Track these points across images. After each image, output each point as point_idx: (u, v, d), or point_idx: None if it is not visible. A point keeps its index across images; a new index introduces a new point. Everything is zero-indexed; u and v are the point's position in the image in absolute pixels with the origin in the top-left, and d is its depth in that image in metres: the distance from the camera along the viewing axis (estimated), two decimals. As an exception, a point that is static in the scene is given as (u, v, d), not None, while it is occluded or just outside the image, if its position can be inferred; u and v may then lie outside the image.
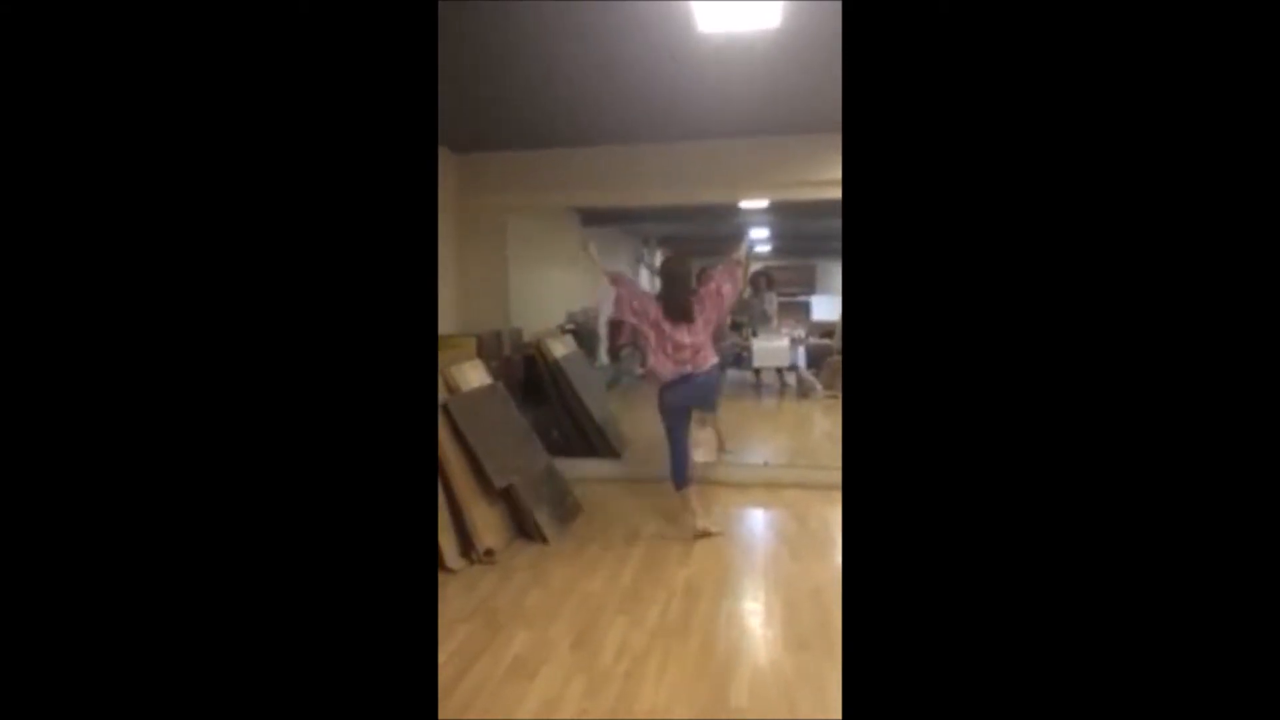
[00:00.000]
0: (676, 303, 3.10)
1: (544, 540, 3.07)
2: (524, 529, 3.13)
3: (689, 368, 3.07)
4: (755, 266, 7.30)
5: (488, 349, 3.81)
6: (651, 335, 3.08)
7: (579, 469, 3.89)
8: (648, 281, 7.88)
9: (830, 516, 3.45)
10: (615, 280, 3.19)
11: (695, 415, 3.38)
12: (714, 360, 3.17)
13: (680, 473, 3.16)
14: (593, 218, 5.87)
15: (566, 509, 3.35)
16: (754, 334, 6.71)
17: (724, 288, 3.14)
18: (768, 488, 3.83)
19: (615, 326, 6.74)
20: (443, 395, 3.14)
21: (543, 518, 3.12)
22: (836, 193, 3.74)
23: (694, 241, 8.09)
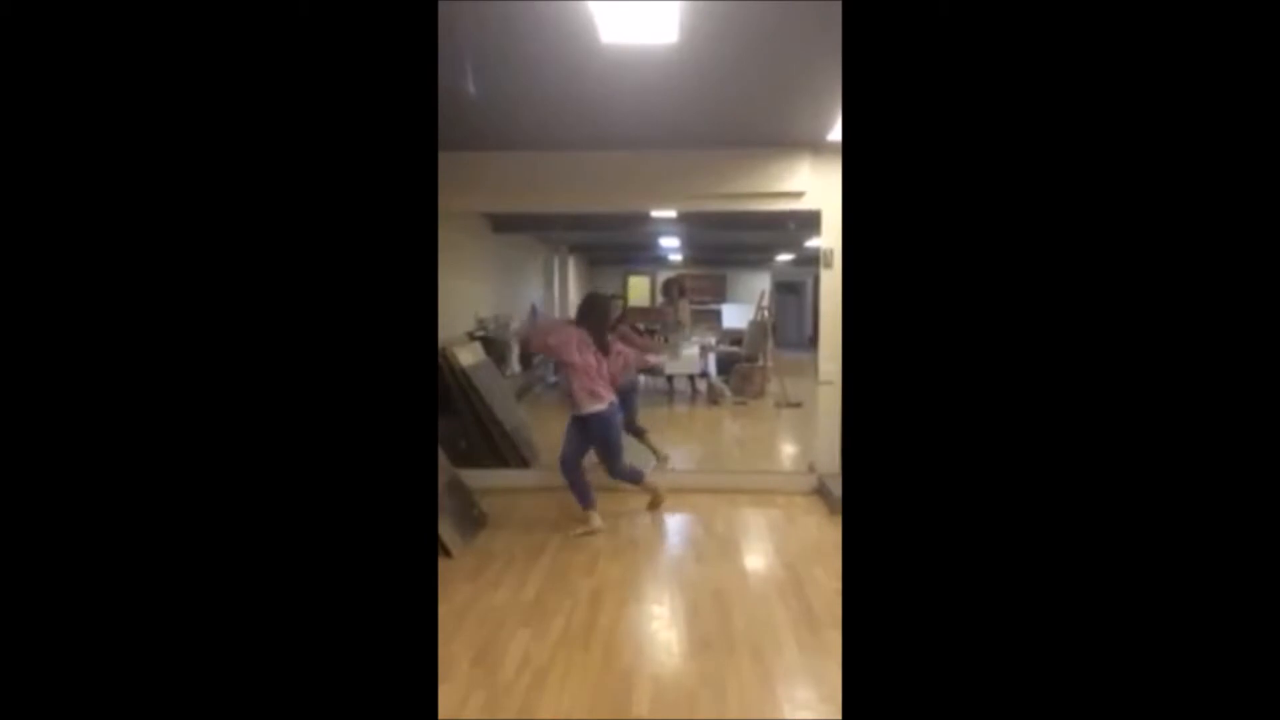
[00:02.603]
0: (598, 334, 3.33)
1: (447, 554, 2.98)
2: (426, 542, 3.03)
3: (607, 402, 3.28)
4: (667, 274, 7.42)
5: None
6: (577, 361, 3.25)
7: (487, 480, 3.81)
8: (557, 291, 7.85)
9: (735, 519, 3.53)
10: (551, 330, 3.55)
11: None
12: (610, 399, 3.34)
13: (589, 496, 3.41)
14: (504, 224, 5.79)
15: (472, 521, 3.28)
16: (666, 341, 6.80)
17: (629, 358, 3.50)
18: (675, 493, 3.88)
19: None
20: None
21: (445, 531, 3.04)
22: (744, 205, 3.87)
23: (606, 249, 8.12)
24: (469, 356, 4.28)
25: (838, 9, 2.03)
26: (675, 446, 5.23)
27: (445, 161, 3.88)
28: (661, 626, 2.41)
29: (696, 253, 8.33)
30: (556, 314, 8.02)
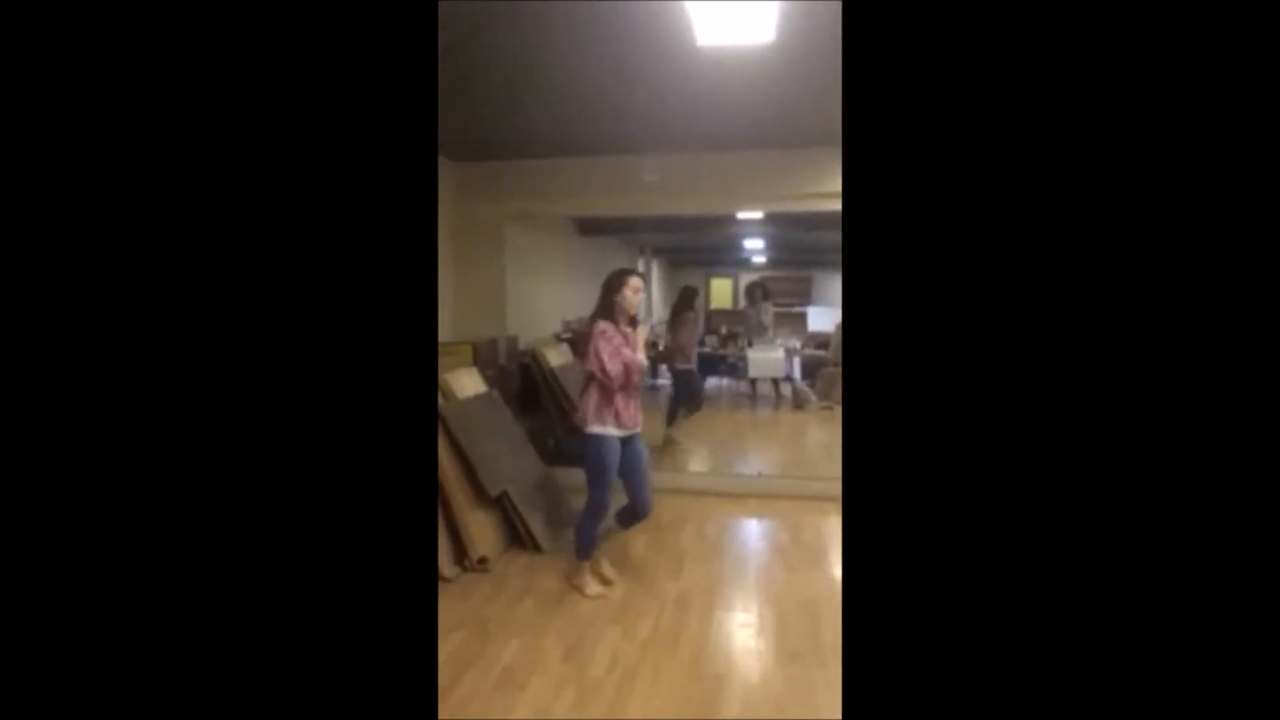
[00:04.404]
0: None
1: (538, 549, 3.06)
2: (518, 538, 3.12)
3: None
4: (751, 277, 7.32)
5: (483, 357, 3.81)
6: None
7: (574, 478, 3.87)
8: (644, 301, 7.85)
9: (823, 527, 3.45)
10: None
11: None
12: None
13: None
14: (589, 227, 5.89)
15: (561, 518, 3.35)
16: (749, 344, 6.72)
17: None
18: (761, 499, 3.83)
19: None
20: (438, 402, 3.14)
21: (537, 526, 3.12)
22: (831, 205, 3.77)
23: (691, 251, 8.11)
24: (556, 357, 4.38)
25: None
26: (758, 452, 5.17)
27: (532, 168, 4.00)
28: (750, 634, 2.38)
29: (782, 254, 8.19)
30: (640, 315, 8.10)
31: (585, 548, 2.67)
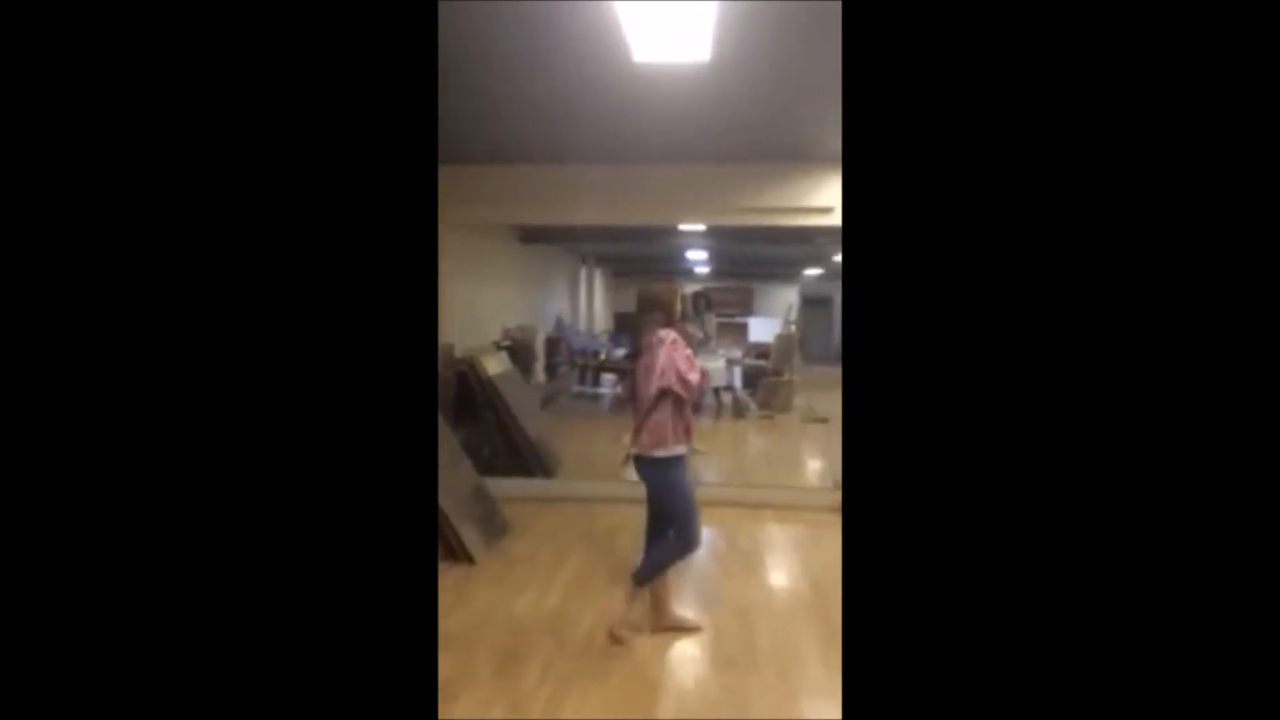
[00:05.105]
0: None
1: (470, 561, 3.01)
2: (450, 549, 3.06)
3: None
4: (694, 288, 7.42)
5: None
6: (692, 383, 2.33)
7: (511, 488, 3.83)
8: (584, 302, 7.88)
9: (760, 534, 3.51)
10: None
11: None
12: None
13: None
14: (531, 235, 5.86)
15: (495, 529, 3.30)
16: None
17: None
18: (701, 507, 3.87)
19: (553, 344, 6.74)
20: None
21: (469, 537, 3.06)
22: (771, 219, 3.88)
23: (634, 261, 8.16)
24: (495, 366, 4.33)
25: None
26: (699, 460, 5.22)
27: (474, 174, 3.96)
28: (686, 642, 2.40)
29: (724, 266, 8.34)
30: (582, 325, 8.07)
31: (651, 578, 2.38)
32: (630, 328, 3.83)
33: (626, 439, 2.39)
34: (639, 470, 2.37)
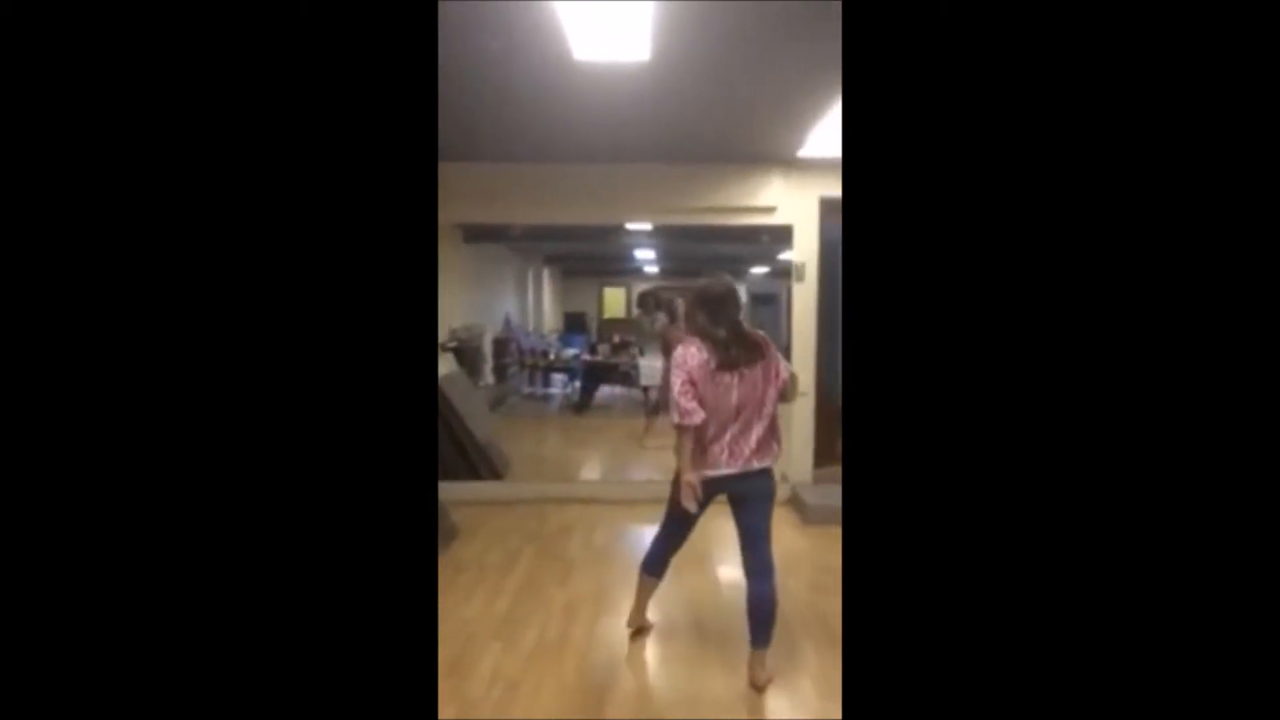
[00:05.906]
0: (735, 338, 2.06)
1: (418, 567, 2.95)
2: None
3: (754, 463, 2.09)
4: (643, 286, 7.45)
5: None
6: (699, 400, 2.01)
7: (459, 491, 3.78)
8: (532, 302, 7.81)
9: (709, 530, 3.54)
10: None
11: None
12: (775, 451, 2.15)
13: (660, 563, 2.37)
14: (475, 234, 5.77)
15: (443, 533, 3.25)
16: (641, 352, 6.83)
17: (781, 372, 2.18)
18: (651, 504, 3.88)
19: (501, 344, 6.67)
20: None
21: (417, 544, 3.01)
22: (716, 218, 3.92)
23: (583, 260, 8.13)
24: (441, 367, 4.26)
25: (810, 29, 2.08)
26: (650, 458, 5.25)
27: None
28: (637, 641, 2.41)
29: (674, 264, 8.37)
30: (530, 325, 8.00)
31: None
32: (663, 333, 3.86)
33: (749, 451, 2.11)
34: (746, 483, 2.14)
